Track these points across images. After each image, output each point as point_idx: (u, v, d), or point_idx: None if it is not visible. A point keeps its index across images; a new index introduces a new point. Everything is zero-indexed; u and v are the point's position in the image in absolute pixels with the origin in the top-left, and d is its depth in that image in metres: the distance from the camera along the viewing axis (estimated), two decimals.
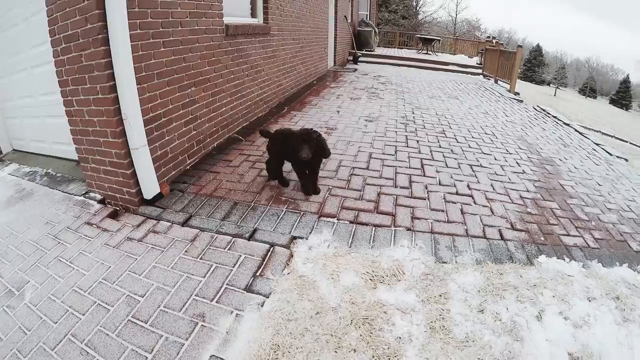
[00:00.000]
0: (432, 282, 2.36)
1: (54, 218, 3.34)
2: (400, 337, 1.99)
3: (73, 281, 2.60)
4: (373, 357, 1.88)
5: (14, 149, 5.72)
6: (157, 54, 3.38)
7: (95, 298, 2.41)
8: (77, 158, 4.14)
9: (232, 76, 4.89)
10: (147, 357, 1.93)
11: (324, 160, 3.37)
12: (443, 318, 2.10)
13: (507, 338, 1.99)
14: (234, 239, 2.79)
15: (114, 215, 3.26)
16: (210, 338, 2.02)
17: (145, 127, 3.22)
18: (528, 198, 3.57)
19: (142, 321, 2.15)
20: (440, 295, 2.25)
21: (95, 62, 2.94)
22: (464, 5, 63.79)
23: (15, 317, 2.43)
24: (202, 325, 2.09)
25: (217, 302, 2.24)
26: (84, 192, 3.66)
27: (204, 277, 2.43)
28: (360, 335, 2.00)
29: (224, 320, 2.12)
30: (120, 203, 3.37)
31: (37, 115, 4.85)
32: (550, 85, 60.34)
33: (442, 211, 3.19)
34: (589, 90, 64.40)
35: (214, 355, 1.92)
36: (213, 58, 4.38)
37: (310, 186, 3.34)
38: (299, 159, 3.05)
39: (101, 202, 3.45)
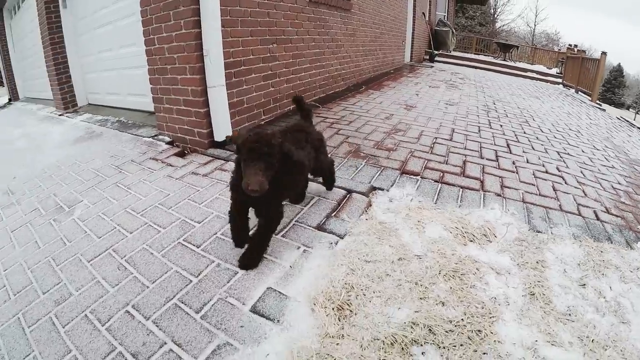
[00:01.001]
0: (527, 249, 2.05)
1: (119, 153, 3.34)
2: (495, 298, 1.69)
3: (127, 203, 2.53)
4: (465, 313, 1.58)
5: (89, 103, 5.96)
6: (242, 2, 3.33)
7: (147, 220, 2.30)
8: (149, 109, 4.19)
9: (312, 43, 4.77)
10: (191, 281, 1.75)
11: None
12: (542, 286, 1.79)
13: (613, 318, 1.66)
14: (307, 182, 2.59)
15: (181, 154, 3.19)
16: (270, 270, 1.80)
17: (224, 70, 3.13)
18: (620, 189, 3.25)
19: (194, 245, 1.99)
20: (537, 262, 1.95)
21: None
22: (542, 16, 60.30)
23: (59, 230, 2.39)
24: (264, 256, 1.89)
25: (282, 236, 2.03)
26: (153, 134, 3.65)
27: None
28: (450, 288, 1.69)
29: (289, 255, 1.90)
30: (189, 145, 3.29)
31: (114, 67, 5.01)
32: (630, 109, 55.82)
33: (533, 185, 2.88)
34: None
35: (271, 288, 1.70)
36: (296, 21, 4.28)
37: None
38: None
39: (169, 143, 3.41)
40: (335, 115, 4.37)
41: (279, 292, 1.69)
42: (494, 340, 1.48)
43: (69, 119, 5.27)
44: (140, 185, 2.73)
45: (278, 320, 1.56)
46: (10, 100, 8.70)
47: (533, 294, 1.73)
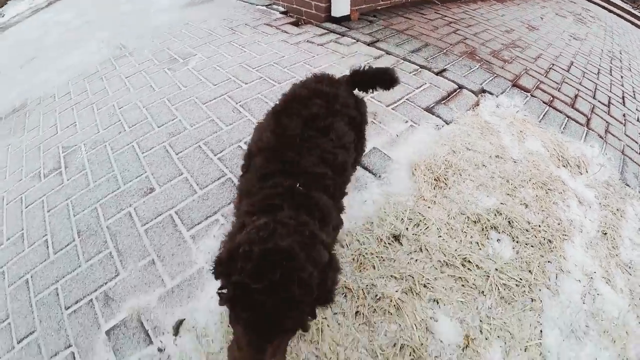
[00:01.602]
0: (612, 195, 2.08)
1: (232, 17, 3.48)
2: (572, 221, 1.79)
3: (241, 59, 2.70)
4: (542, 222, 1.71)
5: None
6: None
7: (262, 74, 2.48)
8: None
9: None
10: None
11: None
12: (615, 231, 1.85)
13: None
14: (421, 69, 2.65)
15: (295, 24, 3.29)
16: (377, 133, 1.98)
17: None
18: None
19: None
20: (617, 210, 1.98)
21: None
22: None
23: (174, 77, 2.62)
24: (372, 121, 2.04)
25: (392, 108, 2.16)
26: (266, 3, 3.73)
27: None
28: (536, 195, 1.81)
29: (396, 125, 2.05)
30: (303, 17, 3.36)
31: None
32: None
33: (636, 142, 2.78)
34: None
35: (376, 148, 1.89)
36: None
37: None
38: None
39: (283, 13, 3.49)
40: (454, 15, 4.24)
41: (384, 152, 1.87)
42: (560, 255, 1.62)
43: None
44: (255, 46, 2.89)
45: (379, 176, 1.77)
46: None
47: (605, 234, 1.82)
